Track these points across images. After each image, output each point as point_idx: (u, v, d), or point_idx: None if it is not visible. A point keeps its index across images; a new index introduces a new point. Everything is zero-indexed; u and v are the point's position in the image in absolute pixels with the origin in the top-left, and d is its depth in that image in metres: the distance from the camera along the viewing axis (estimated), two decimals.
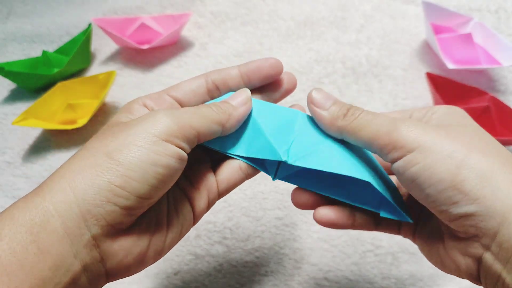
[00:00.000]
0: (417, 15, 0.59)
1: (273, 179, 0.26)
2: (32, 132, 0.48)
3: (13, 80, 0.51)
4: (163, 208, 0.23)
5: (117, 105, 0.50)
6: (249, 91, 0.26)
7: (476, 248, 0.19)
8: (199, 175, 0.26)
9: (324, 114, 0.24)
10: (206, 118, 0.23)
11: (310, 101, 0.24)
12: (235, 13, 0.61)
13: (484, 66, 0.49)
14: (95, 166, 0.19)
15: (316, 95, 0.24)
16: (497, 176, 0.19)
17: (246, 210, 0.40)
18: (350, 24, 0.58)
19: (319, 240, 0.38)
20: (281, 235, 0.38)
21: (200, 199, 0.25)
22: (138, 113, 0.24)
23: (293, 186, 0.26)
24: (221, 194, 0.26)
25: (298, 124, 0.26)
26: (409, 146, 0.20)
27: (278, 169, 0.26)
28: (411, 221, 0.23)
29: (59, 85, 0.49)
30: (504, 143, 0.43)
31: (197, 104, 0.26)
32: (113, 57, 0.57)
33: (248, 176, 0.26)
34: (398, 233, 0.26)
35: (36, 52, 0.58)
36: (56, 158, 0.45)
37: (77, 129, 0.47)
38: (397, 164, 0.21)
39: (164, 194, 0.22)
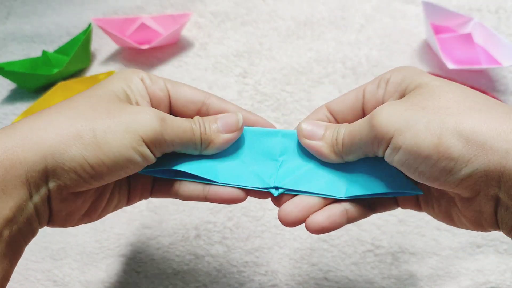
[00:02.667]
0: (417, 15, 0.59)
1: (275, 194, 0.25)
2: None
3: (13, 80, 0.51)
4: (110, 186, 0.25)
5: None
6: (241, 118, 0.25)
7: (486, 202, 0.19)
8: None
9: (321, 145, 0.24)
10: (188, 137, 0.24)
11: (302, 136, 0.24)
12: (235, 13, 0.61)
13: (484, 66, 0.49)
14: (78, 136, 0.20)
15: (305, 127, 0.24)
16: (480, 128, 0.18)
17: (246, 210, 0.40)
18: (350, 24, 0.58)
19: (319, 240, 0.38)
20: (281, 235, 0.38)
21: (137, 192, 0.27)
22: (136, 90, 0.25)
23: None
24: (153, 195, 0.28)
25: (281, 145, 0.25)
26: (387, 135, 0.20)
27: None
28: (421, 192, 0.23)
29: (59, 85, 0.49)
30: None
31: (187, 111, 0.26)
32: (113, 57, 0.57)
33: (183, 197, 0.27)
34: (397, 206, 0.25)
35: (36, 52, 0.58)
36: None
37: None
38: (386, 155, 0.21)
39: None
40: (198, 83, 0.52)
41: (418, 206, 0.25)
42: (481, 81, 0.50)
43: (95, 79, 0.50)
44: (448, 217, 0.23)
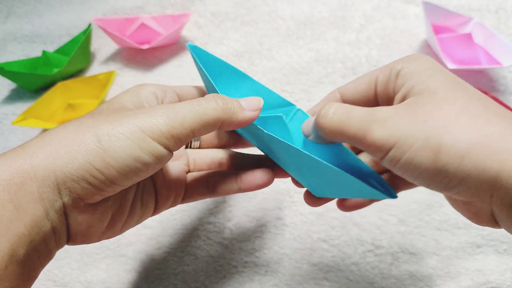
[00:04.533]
0: (417, 15, 0.59)
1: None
2: (32, 132, 0.48)
3: (13, 80, 0.51)
4: (130, 194, 0.25)
5: None
6: (262, 101, 0.25)
7: (482, 205, 0.20)
8: (175, 176, 0.27)
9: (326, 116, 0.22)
10: (203, 116, 0.22)
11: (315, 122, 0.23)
12: (235, 13, 0.61)
13: (484, 66, 0.49)
14: (82, 143, 0.20)
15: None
16: (476, 146, 0.18)
17: (246, 210, 0.40)
18: (350, 24, 0.58)
19: (319, 240, 0.38)
20: (281, 235, 0.38)
21: (167, 199, 0.27)
22: (145, 99, 0.25)
23: (292, 186, 0.26)
24: (184, 201, 0.28)
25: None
26: (387, 146, 0.20)
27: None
28: (395, 197, 0.23)
29: (59, 85, 0.49)
30: None
31: None
32: (113, 57, 0.57)
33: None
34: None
35: (36, 52, 0.58)
36: None
37: None
38: (384, 162, 0.21)
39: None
40: (198, 83, 0.52)
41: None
42: (481, 81, 0.50)
43: (95, 79, 0.50)
44: (452, 200, 0.23)
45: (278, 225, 0.39)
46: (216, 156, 0.30)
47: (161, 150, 0.21)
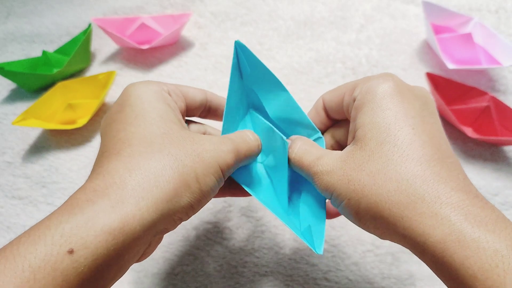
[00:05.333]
0: (417, 15, 0.59)
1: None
2: (32, 132, 0.48)
3: (13, 80, 0.51)
4: None
5: None
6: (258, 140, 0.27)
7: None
8: None
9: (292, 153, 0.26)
10: (252, 151, 0.25)
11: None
12: (235, 13, 0.61)
13: (484, 66, 0.49)
14: (187, 186, 0.21)
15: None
16: (384, 213, 0.20)
17: (246, 210, 0.40)
18: (350, 24, 0.58)
19: None
20: (281, 235, 0.38)
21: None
22: (174, 106, 0.25)
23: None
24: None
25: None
26: (327, 194, 0.23)
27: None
28: (319, 253, 0.24)
29: (59, 85, 0.49)
30: (504, 143, 0.43)
31: (194, 109, 0.28)
32: (113, 57, 0.57)
33: None
34: None
35: (36, 52, 0.58)
36: (56, 158, 0.45)
37: (77, 129, 0.47)
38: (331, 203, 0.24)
39: None
40: (198, 83, 0.52)
41: None
42: (481, 81, 0.50)
43: (95, 79, 0.50)
44: None
45: (278, 225, 0.39)
46: None
47: (223, 180, 0.23)
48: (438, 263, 0.18)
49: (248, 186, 0.26)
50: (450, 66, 0.48)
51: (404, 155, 0.20)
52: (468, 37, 0.49)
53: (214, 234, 0.38)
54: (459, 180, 0.19)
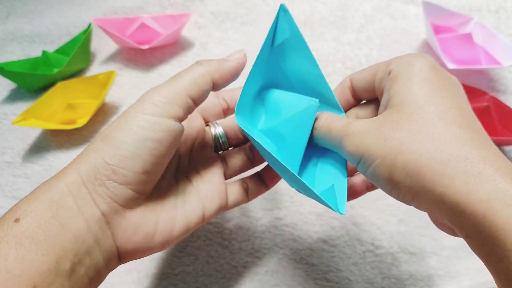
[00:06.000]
0: (417, 15, 0.59)
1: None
2: (32, 132, 0.48)
3: (13, 80, 0.51)
4: (169, 194, 0.25)
5: (117, 105, 0.50)
6: (243, 51, 0.26)
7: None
8: (214, 183, 0.28)
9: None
10: (195, 78, 0.23)
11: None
12: (235, 13, 0.61)
13: (484, 66, 0.49)
14: (94, 150, 0.21)
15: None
16: (423, 169, 0.19)
17: (246, 210, 0.40)
18: (350, 24, 0.58)
19: (319, 240, 0.38)
20: (281, 235, 0.38)
21: (212, 204, 0.27)
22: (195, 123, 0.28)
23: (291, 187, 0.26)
24: (229, 207, 0.29)
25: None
26: (356, 158, 0.22)
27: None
28: (342, 213, 0.24)
29: (59, 85, 0.49)
30: (504, 143, 0.43)
31: (215, 112, 0.30)
32: (113, 57, 0.57)
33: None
34: None
35: (36, 52, 0.58)
36: (56, 158, 0.45)
37: (77, 129, 0.47)
38: (358, 169, 0.23)
39: (172, 179, 0.26)
40: None
41: None
42: (481, 81, 0.50)
43: (95, 79, 0.50)
44: None
45: (278, 225, 0.39)
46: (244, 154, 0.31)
47: (166, 123, 0.22)
48: (479, 223, 0.17)
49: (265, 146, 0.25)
50: (450, 66, 0.48)
51: (445, 118, 0.20)
52: (468, 37, 0.49)
53: (214, 234, 0.38)
54: (497, 150, 0.20)
